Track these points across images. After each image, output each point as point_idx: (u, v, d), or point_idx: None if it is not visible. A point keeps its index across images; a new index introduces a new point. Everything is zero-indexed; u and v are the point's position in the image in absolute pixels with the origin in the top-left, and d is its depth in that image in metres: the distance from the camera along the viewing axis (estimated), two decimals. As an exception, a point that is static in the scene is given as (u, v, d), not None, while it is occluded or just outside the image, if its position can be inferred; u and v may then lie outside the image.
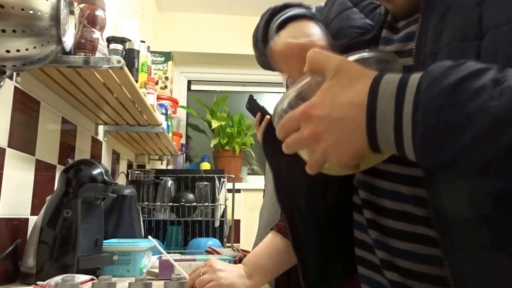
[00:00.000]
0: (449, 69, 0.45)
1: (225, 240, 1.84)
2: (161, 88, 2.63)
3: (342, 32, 0.71)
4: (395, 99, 0.46)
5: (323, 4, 0.82)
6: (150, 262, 1.22)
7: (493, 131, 0.41)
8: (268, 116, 1.43)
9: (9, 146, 1.02)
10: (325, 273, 0.76)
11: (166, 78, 2.68)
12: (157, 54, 2.67)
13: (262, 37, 0.80)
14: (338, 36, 0.71)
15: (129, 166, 2.23)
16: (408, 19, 0.63)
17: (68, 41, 0.95)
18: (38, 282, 0.92)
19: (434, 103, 0.44)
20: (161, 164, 2.62)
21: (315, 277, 0.75)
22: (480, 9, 0.51)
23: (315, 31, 0.71)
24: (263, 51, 0.79)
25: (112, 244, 1.15)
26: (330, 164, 0.53)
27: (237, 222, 2.71)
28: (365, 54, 0.57)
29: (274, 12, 0.81)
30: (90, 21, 1.08)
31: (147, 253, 1.20)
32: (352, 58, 0.55)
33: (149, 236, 1.11)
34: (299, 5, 0.81)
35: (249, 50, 0.87)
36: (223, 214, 1.84)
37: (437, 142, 0.44)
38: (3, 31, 0.77)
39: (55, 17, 0.83)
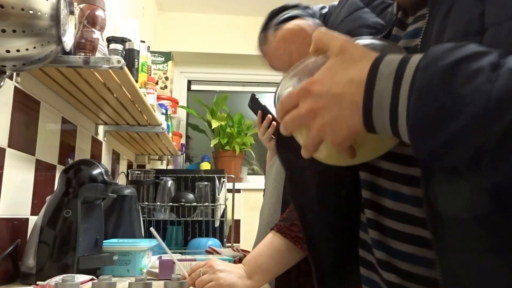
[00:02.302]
0: (449, 50, 0.44)
1: (225, 240, 1.84)
2: (161, 88, 2.63)
3: (353, 33, 0.70)
4: (393, 79, 0.45)
5: (336, 2, 0.83)
6: (150, 262, 1.22)
7: (485, 117, 0.40)
8: (270, 116, 1.43)
9: (9, 146, 1.02)
10: (341, 272, 0.75)
11: (166, 78, 2.68)
12: (157, 54, 2.67)
13: (262, 40, 0.81)
14: (350, 36, 0.71)
15: (129, 166, 2.23)
16: (417, 14, 0.62)
17: (68, 41, 0.95)
18: (38, 282, 0.92)
19: (429, 84, 0.43)
20: (161, 164, 2.62)
21: (330, 276, 0.74)
22: (483, 5, 0.51)
23: (306, 22, 0.71)
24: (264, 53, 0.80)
25: (112, 244, 1.15)
26: (327, 151, 0.53)
27: (237, 222, 2.72)
28: (374, 41, 0.57)
29: (273, 15, 0.81)
30: (90, 21, 1.08)
31: (147, 253, 1.20)
32: (360, 42, 0.55)
33: (151, 228, 1.05)
34: (297, 6, 0.82)
35: (249, 50, 0.88)
36: (223, 214, 1.84)
37: (429, 126, 0.43)
38: (3, 31, 0.77)
39: (55, 17, 0.83)
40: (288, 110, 0.53)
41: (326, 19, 0.83)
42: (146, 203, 1.78)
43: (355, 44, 0.52)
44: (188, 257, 1.29)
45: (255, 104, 1.49)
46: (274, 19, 0.81)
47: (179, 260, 1.10)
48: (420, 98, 0.43)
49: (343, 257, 0.75)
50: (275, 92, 0.59)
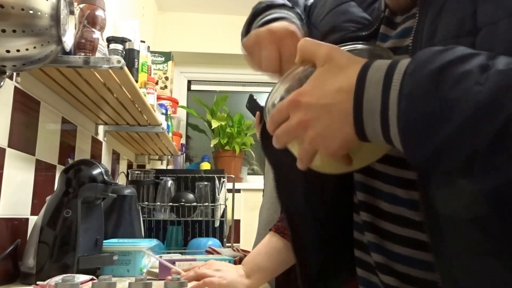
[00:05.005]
0: (436, 54, 0.43)
1: (225, 240, 1.84)
2: (161, 88, 2.63)
3: (339, 27, 0.69)
4: (382, 85, 0.44)
5: None
6: (150, 262, 1.22)
7: (476, 120, 0.39)
8: None
9: (9, 146, 1.02)
10: (327, 271, 0.74)
11: (166, 78, 2.68)
12: (157, 54, 2.67)
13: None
14: (334, 30, 0.69)
15: (129, 166, 2.23)
16: (406, 13, 0.61)
17: (68, 41, 0.95)
18: (38, 282, 0.92)
19: (417, 89, 0.42)
20: (161, 164, 2.62)
21: (316, 275, 0.74)
22: (475, 5, 0.50)
23: (294, 24, 0.69)
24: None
25: (112, 244, 1.15)
26: (322, 160, 0.52)
27: (237, 222, 2.71)
28: (358, 46, 0.56)
29: (256, 13, 0.79)
30: (90, 21, 1.08)
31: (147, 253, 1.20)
32: (344, 48, 0.54)
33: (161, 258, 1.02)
34: (283, 5, 0.79)
35: (249, 50, 0.87)
36: (223, 214, 1.84)
37: (420, 131, 0.42)
38: (3, 31, 0.77)
39: (55, 17, 0.83)
40: (278, 123, 0.52)
41: (310, 11, 0.80)
42: (146, 203, 1.78)
43: (341, 51, 0.51)
44: (188, 257, 1.29)
45: (253, 105, 1.49)
46: (257, 17, 0.78)
47: (179, 260, 1.11)
48: (409, 103, 0.42)
49: (331, 255, 0.74)
50: (265, 105, 0.58)
